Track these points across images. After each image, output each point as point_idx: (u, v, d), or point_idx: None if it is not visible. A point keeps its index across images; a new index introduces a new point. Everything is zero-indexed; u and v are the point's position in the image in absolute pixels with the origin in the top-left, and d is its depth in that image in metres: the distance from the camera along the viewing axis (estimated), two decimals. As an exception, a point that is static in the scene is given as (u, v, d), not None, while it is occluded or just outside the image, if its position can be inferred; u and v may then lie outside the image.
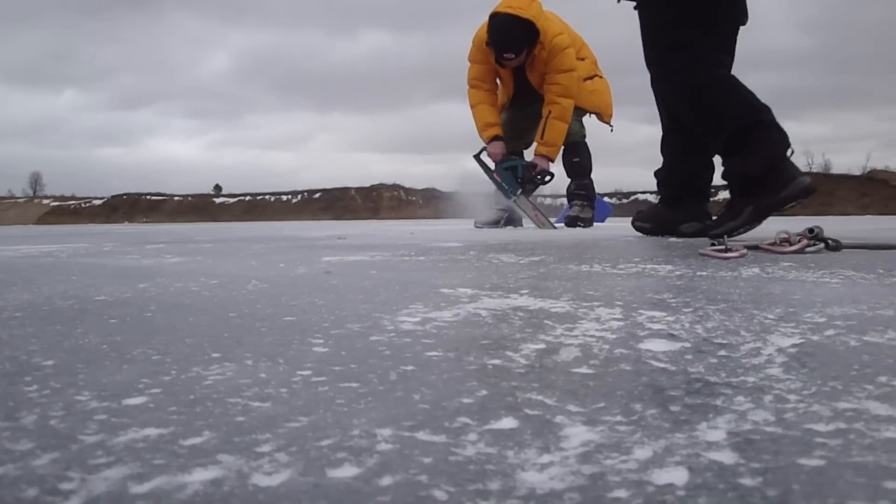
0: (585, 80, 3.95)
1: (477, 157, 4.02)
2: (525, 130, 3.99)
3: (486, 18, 3.81)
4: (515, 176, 3.88)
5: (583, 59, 4.00)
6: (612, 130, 4.23)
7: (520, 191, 3.90)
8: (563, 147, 4.06)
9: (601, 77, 4.13)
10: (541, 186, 3.95)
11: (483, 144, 3.97)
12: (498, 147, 3.89)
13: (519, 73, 3.88)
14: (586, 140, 4.19)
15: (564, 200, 4.51)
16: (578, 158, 4.14)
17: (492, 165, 3.95)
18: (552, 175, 3.93)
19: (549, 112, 3.77)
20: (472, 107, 3.97)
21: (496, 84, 3.98)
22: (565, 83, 3.76)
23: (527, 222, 4.17)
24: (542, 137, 3.81)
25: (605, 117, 4.12)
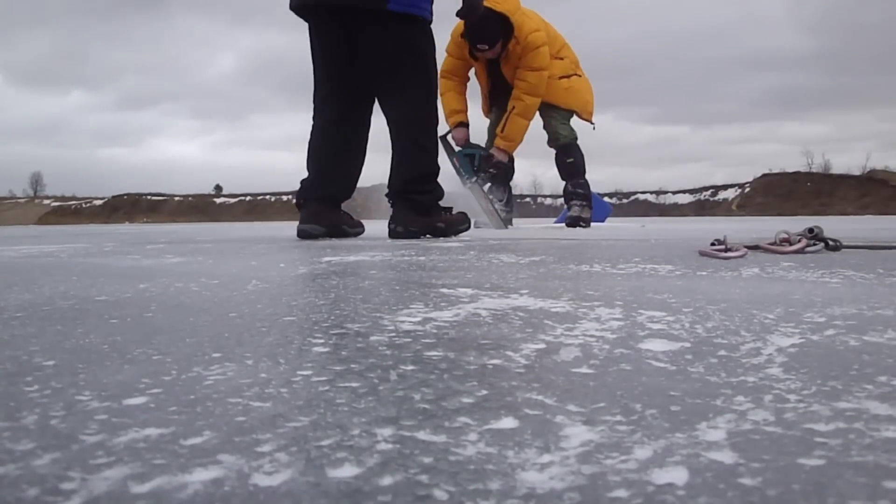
0: (561, 78, 4.01)
1: (443, 138, 4.11)
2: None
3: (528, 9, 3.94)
4: (472, 164, 4.02)
5: (561, 59, 4.06)
6: (594, 128, 4.29)
7: (475, 178, 4.03)
8: (555, 150, 4.13)
9: (580, 76, 4.17)
10: (539, 186, 4.05)
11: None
12: (461, 133, 4.07)
13: (492, 67, 3.99)
14: (578, 142, 4.23)
15: (562, 201, 4.54)
16: (572, 159, 4.19)
17: (457, 149, 4.10)
18: (507, 168, 4.13)
19: (513, 108, 3.91)
20: (441, 95, 4.12)
21: (467, 77, 4.14)
22: (533, 81, 3.87)
23: (521, 222, 4.20)
24: (502, 131, 3.98)
25: (583, 115, 4.16)
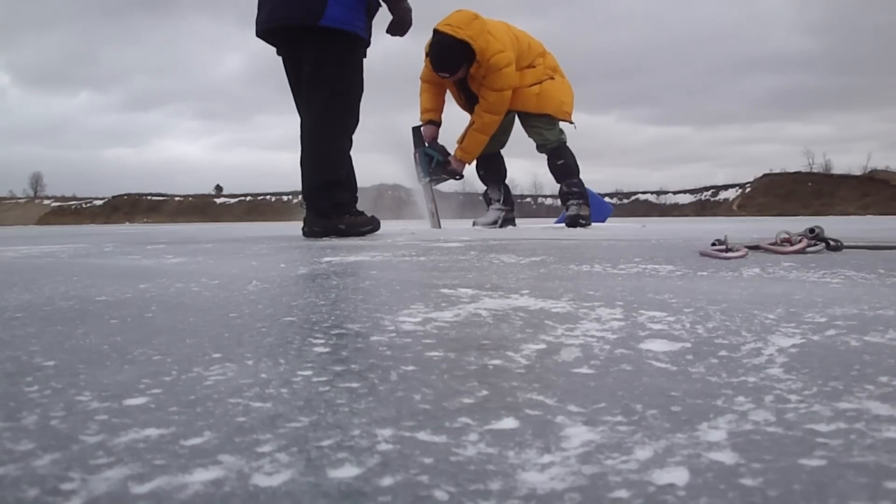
0: (532, 85, 4.08)
1: (416, 129, 4.24)
2: (499, 134, 4.21)
3: (498, 22, 4.04)
4: (430, 164, 4.15)
5: (533, 67, 4.12)
6: (574, 128, 4.35)
7: (427, 179, 4.17)
8: (546, 154, 4.18)
9: (554, 79, 4.20)
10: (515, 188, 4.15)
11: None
12: (429, 130, 4.20)
13: (461, 83, 4.10)
14: (568, 144, 4.26)
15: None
16: (563, 160, 4.22)
17: (426, 145, 4.23)
18: (462, 176, 4.27)
19: (472, 123, 4.06)
20: (419, 95, 4.26)
21: (445, 82, 4.21)
22: (492, 101, 3.97)
23: (521, 222, 4.23)
24: (461, 142, 4.13)
25: (558, 115, 4.19)
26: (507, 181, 4.55)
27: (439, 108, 4.25)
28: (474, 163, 4.28)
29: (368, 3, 2.80)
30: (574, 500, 0.23)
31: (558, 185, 4.28)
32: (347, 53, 2.82)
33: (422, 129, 4.20)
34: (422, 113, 4.23)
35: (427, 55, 4.01)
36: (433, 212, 4.24)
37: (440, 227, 4.19)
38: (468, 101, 4.17)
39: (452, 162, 4.13)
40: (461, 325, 0.59)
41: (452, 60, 3.84)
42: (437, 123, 4.23)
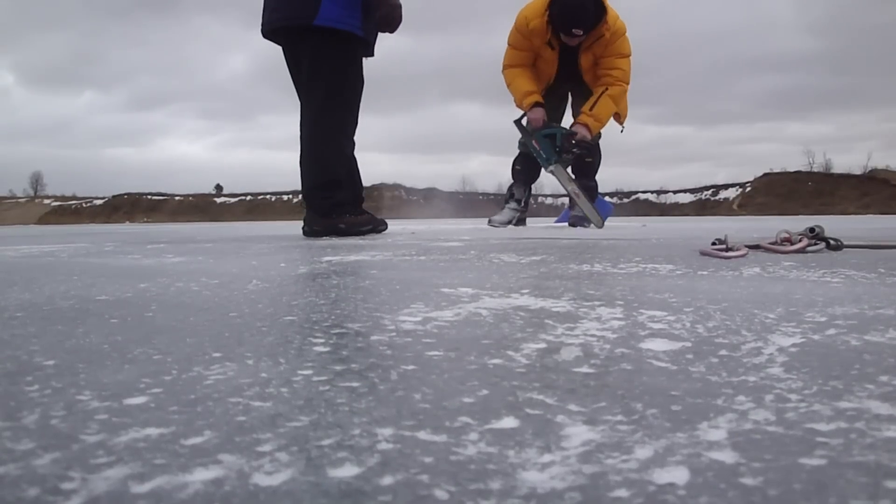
0: None
1: (518, 122, 3.97)
2: (553, 110, 3.97)
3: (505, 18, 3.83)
4: (554, 144, 3.85)
5: None
6: (622, 131, 4.21)
7: (556, 159, 3.87)
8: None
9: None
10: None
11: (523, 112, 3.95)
12: (538, 113, 3.86)
13: (567, 55, 3.80)
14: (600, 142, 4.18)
15: (565, 200, 4.49)
16: (592, 159, 4.10)
17: (536, 131, 3.93)
18: (593, 144, 3.92)
19: (606, 89, 3.74)
20: (508, 84, 3.94)
21: (533, 65, 3.93)
22: (626, 68, 3.76)
23: (531, 221, 4.16)
24: (590, 109, 3.78)
25: (622, 117, 4.07)
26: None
27: (539, 88, 3.87)
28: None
29: (365, 1, 2.77)
30: (574, 499, 0.23)
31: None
32: (344, 52, 2.81)
33: (526, 116, 3.90)
34: (524, 97, 3.85)
35: (546, 20, 3.66)
36: (577, 193, 3.84)
37: (601, 220, 3.77)
38: (565, 76, 3.85)
39: (579, 130, 3.78)
40: (461, 325, 0.59)
41: (589, 16, 3.56)
42: (543, 104, 3.86)
